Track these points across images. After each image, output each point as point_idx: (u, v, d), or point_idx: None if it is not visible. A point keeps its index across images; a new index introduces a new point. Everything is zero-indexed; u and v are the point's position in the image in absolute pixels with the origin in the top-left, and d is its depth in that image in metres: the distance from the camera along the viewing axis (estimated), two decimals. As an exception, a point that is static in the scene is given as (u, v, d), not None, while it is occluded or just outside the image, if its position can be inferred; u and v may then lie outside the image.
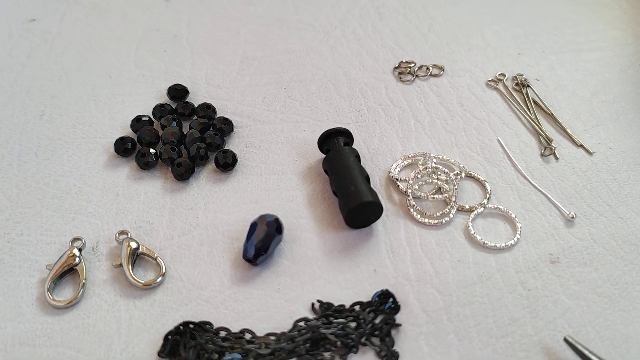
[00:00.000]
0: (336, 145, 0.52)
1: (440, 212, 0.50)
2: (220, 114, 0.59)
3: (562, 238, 0.49)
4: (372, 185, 0.51)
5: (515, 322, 0.44)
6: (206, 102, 0.59)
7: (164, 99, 0.60)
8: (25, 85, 0.61)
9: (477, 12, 0.69)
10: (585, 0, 0.71)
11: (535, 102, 0.59)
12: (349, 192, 0.48)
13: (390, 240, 0.49)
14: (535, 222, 0.50)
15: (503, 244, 0.48)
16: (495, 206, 0.50)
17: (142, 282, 0.46)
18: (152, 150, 0.53)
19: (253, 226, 0.47)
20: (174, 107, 0.58)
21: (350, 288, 0.46)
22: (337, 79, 0.62)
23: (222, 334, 0.43)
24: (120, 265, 0.47)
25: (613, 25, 0.68)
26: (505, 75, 0.61)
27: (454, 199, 0.51)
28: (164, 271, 0.47)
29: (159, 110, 0.57)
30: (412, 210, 0.50)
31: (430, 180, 0.52)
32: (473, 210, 0.50)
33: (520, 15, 0.69)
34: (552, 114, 0.57)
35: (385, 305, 0.45)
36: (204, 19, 0.70)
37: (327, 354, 0.42)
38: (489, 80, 0.61)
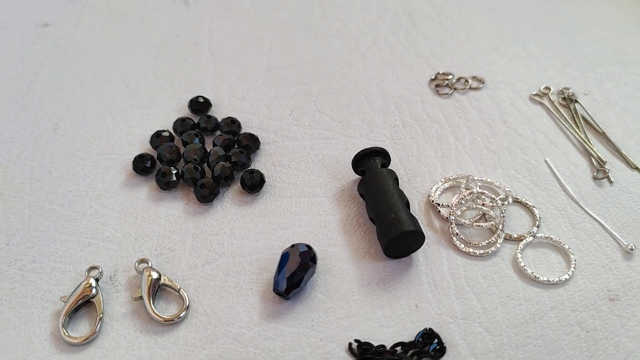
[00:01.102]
0: (373, 167, 0.48)
1: (486, 242, 0.46)
2: (245, 128, 0.55)
3: (621, 272, 0.44)
4: (411, 210, 0.47)
5: (574, 368, 0.40)
6: (230, 116, 0.55)
7: (184, 111, 0.57)
8: (38, 96, 0.58)
9: (517, 19, 0.65)
10: (632, 9, 0.67)
11: (584, 118, 0.54)
12: (389, 220, 0.44)
13: (432, 272, 0.45)
14: (591, 253, 0.46)
15: (557, 279, 0.44)
16: (546, 235, 0.46)
17: (164, 317, 0.42)
18: (173, 170, 0.50)
19: (284, 257, 0.44)
20: (196, 122, 0.55)
21: (390, 325, 0.42)
22: (369, 91, 0.58)
23: (252, 377, 0.40)
24: (141, 297, 0.43)
25: (662, 35, 0.63)
26: (550, 89, 0.57)
27: (501, 227, 0.47)
28: (187, 304, 0.43)
29: (180, 125, 0.54)
30: (455, 239, 0.46)
31: (475, 206, 0.48)
32: (522, 240, 0.46)
33: (563, 23, 0.64)
34: (603, 132, 0.53)
35: (429, 346, 0.41)
36: (225, 24, 0.66)
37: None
38: (533, 94, 0.57)
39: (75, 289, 0.43)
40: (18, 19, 0.66)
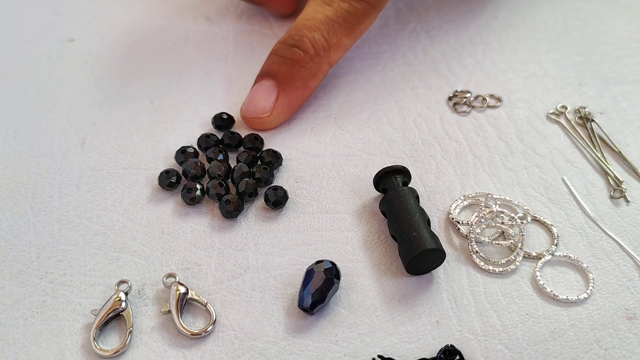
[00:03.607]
0: (394, 185, 0.49)
1: (506, 259, 0.47)
2: (267, 144, 0.56)
3: (638, 291, 0.45)
4: (431, 228, 0.48)
5: (593, 386, 0.41)
6: (253, 132, 0.56)
7: (207, 126, 0.58)
8: (65, 111, 0.59)
9: (533, 37, 0.66)
10: (647, 26, 0.67)
11: (600, 137, 0.55)
12: (411, 238, 0.45)
13: (453, 289, 0.46)
14: (608, 272, 0.46)
15: (575, 297, 0.45)
16: (565, 254, 0.47)
17: (192, 331, 0.43)
18: (198, 186, 0.51)
19: (309, 273, 0.45)
20: (219, 138, 0.56)
21: (412, 342, 0.43)
22: (388, 107, 0.59)
23: (279, 391, 0.41)
24: (169, 311, 0.44)
25: (677, 54, 0.64)
26: (566, 108, 0.58)
27: (519, 245, 0.48)
28: (214, 319, 0.44)
29: (205, 141, 0.55)
30: (474, 256, 0.47)
31: (494, 224, 0.49)
32: (540, 258, 0.47)
33: (579, 42, 0.65)
34: (619, 151, 0.54)
35: (451, 363, 0.42)
36: (248, 39, 0.67)
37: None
38: (550, 113, 0.58)
39: (106, 303, 0.44)
40: (44, 34, 0.68)
